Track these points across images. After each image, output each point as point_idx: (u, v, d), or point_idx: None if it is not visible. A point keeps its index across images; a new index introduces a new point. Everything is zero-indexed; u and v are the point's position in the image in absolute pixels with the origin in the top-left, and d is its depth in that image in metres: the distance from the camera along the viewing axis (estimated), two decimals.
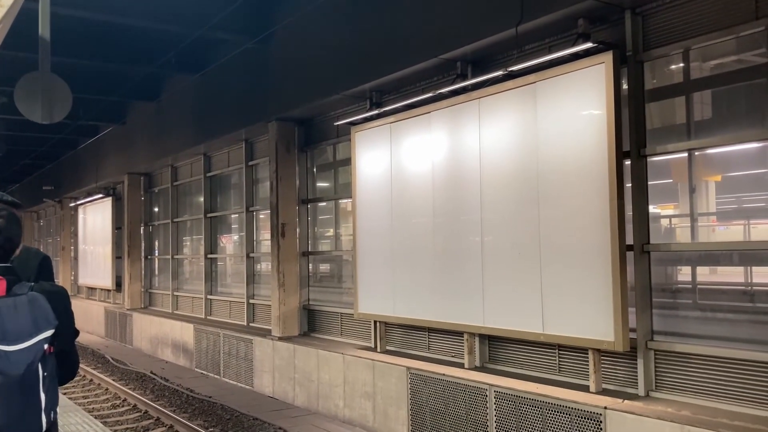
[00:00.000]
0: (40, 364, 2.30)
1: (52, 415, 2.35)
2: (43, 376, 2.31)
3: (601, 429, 5.84)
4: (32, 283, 2.41)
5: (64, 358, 2.48)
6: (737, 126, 5.85)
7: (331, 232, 11.57)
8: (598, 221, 6.10)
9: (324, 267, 11.79)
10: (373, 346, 9.35)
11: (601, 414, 5.85)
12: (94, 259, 21.29)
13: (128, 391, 11.50)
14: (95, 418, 8.14)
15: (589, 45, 6.15)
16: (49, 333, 2.33)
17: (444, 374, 7.55)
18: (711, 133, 6.01)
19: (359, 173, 9.39)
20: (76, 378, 13.48)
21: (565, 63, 6.44)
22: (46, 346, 2.33)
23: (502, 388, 6.83)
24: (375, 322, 9.23)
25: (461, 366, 7.81)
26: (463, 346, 7.88)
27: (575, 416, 6.08)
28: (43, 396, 2.30)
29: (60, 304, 2.42)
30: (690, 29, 5.92)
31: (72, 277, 24.59)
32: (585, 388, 6.41)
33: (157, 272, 18.17)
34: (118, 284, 19.01)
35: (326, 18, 9.59)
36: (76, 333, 2.57)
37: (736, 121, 5.96)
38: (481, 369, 7.67)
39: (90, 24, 10.67)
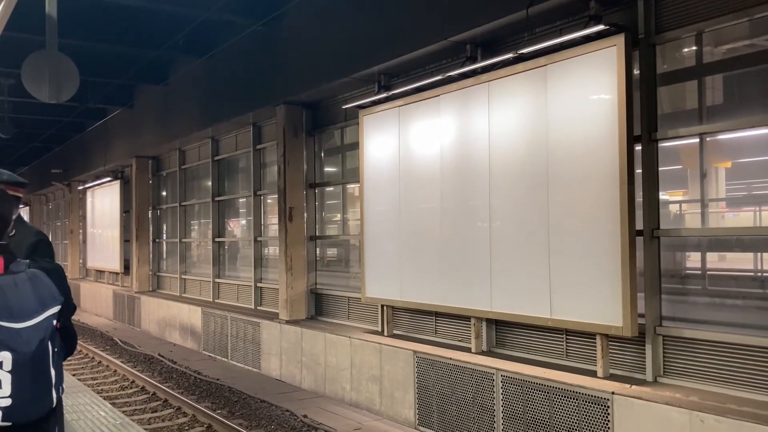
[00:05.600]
0: (50, 340, 2.32)
1: (60, 391, 2.38)
2: (53, 352, 2.33)
3: (608, 414, 5.84)
4: (28, 261, 2.41)
5: (66, 333, 2.49)
6: (750, 111, 5.77)
7: (338, 216, 11.57)
8: (607, 206, 6.06)
9: (331, 251, 11.79)
10: (380, 330, 9.37)
11: (608, 399, 5.84)
12: (102, 242, 21.39)
13: (136, 373, 11.57)
14: (104, 399, 8.19)
15: (600, 27, 6.07)
16: (56, 309, 2.36)
17: (451, 358, 7.56)
18: (723, 118, 5.94)
19: (367, 157, 9.35)
20: (85, 359, 13.62)
21: (576, 46, 6.36)
22: (54, 322, 2.34)
23: (509, 372, 6.83)
24: (382, 306, 9.24)
25: (468, 350, 7.81)
26: (470, 330, 7.88)
27: (582, 401, 6.07)
28: (53, 372, 2.32)
29: (61, 280, 2.43)
30: (703, 12, 5.84)
31: (80, 260, 24.73)
32: (592, 374, 6.40)
33: (165, 255, 18.23)
34: (127, 267, 19.11)
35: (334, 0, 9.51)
36: (74, 308, 2.59)
37: (748, 106, 5.88)
38: (488, 353, 7.67)
39: (97, 6, 10.63)
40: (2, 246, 2.39)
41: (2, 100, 15.74)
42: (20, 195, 3.59)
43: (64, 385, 2.44)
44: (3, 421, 2.20)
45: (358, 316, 10.28)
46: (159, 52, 12.57)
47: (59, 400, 2.40)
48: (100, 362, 13.34)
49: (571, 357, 6.93)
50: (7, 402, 2.20)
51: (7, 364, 2.20)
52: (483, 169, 7.43)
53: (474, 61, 7.67)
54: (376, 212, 9.19)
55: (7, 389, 2.20)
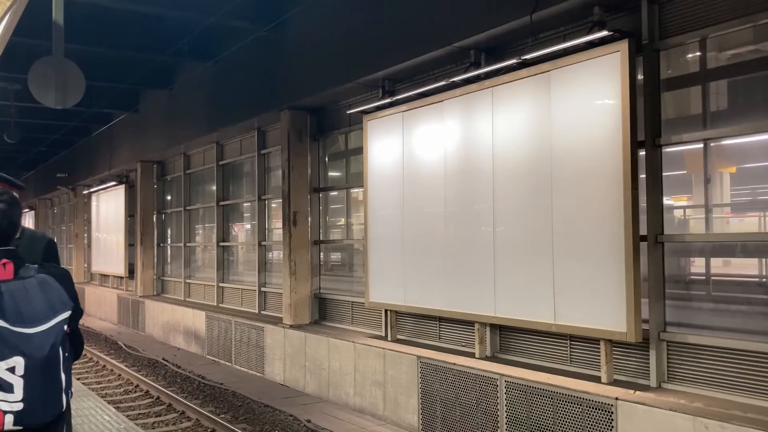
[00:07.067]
0: (61, 345, 2.33)
1: (69, 395, 2.39)
2: (63, 357, 2.34)
3: (612, 420, 5.83)
4: (36, 266, 2.42)
5: (73, 337, 2.51)
6: (754, 116, 5.78)
7: (342, 221, 11.58)
8: (611, 211, 6.06)
9: (335, 256, 11.81)
10: (383, 334, 9.37)
11: (612, 405, 5.83)
12: (107, 246, 21.44)
13: (141, 377, 11.59)
14: (108, 403, 8.21)
15: (604, 33, 6.08)
16: (67, 314, 2.37)
17: (455, 363, 7.56)
18: (727, 123, 5.94)
19: (371, 162, 9.37)
20: (90, 363, 13.64)
21: (580, 51, 6.37)
22: (65, 327, 2.36)
23: (513, 377, 6.82)
24: (386, 310, 9.24)
25: (472, 355, 7.81)
26: (473, 335, 7.87)
27: (586, 407, 6.07)
28: (63, 376, 2.34)
29: (70, 285, 2.45)
30: (707, 17, 5.85)
31: (85, 264, 24.78)
32: (596, 379, 6.40)
33: (169, 260, 18.27)
34: (131, 271, 19.14)
35: (339, 5, 9.55)
36: (81, 313, 2.60)
37: (752, 111, 5.88)
38: (492, 359, 7.67)
39: (103, 11, 10.67)
40: (12, 251, 2.40)
41: (9, 105, 15.83)
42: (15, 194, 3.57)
43: (72, 389, 2.46)
44: (15, 424, 2.21)
45: (361, 320, 10.29)
46: (164, 57, 12.62)
47: (68, 403, 2.42)
48: (104, 366, 13.36)
49: (575, 362, 6.92)
50: (20, 406, 2.22)
51: (20, 369, 2.22)
52: (487, 173, 7.44)
53: (478, 66, 7.69)
54: (380, 217, 9.20)
55: (19, 393, 2.22)
